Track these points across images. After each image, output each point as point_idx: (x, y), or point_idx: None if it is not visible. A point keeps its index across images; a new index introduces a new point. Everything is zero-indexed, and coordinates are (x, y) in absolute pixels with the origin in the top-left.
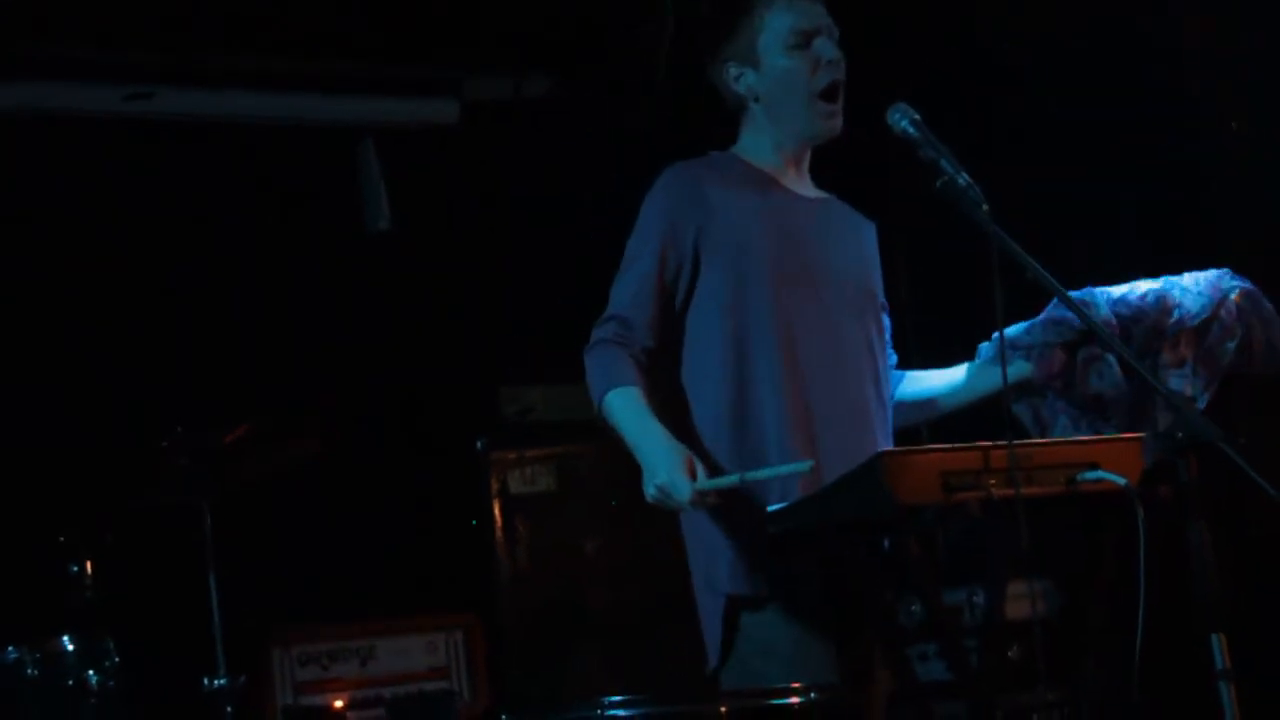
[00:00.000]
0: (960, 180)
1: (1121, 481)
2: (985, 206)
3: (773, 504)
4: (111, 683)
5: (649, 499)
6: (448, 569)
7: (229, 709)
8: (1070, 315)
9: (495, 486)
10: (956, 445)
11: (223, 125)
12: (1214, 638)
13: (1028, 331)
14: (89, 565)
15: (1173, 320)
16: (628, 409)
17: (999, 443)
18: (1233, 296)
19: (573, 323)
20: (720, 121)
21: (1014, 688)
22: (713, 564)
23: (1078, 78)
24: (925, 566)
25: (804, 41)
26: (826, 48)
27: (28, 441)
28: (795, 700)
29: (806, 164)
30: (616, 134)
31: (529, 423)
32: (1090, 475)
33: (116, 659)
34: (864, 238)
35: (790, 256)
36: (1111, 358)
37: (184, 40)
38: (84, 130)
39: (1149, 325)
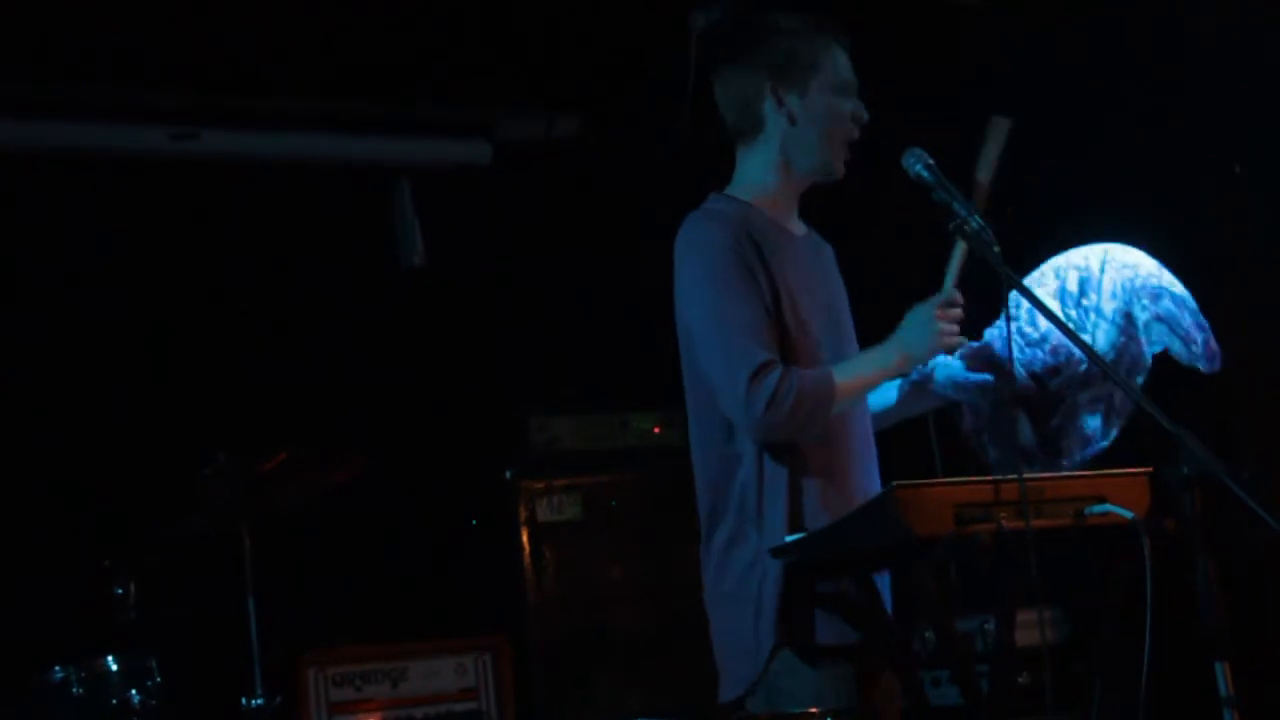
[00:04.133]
0: (973, 223)
1: (1129, 515)
2: (997, 248)
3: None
4: (153, 701)
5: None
6: (478, 593)
7: None
8: (990, 379)
9: (524, 514)
10: (969, 479)
11: (265, 165)
12: (1218, 665)
13: (955, 387)
14: (132, 588)
15: (1084, 368)
16: (847, 369)
17: (1010, 476)
18: (1146, 319)
19: (599, 356)
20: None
21: (1023, 713)
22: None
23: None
24: (938, 596)
25: (851, 92)
26: (862, 108)
27: (75, 470)
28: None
29: (795, 204)
30: (645, 172)
31: (556, 453)
32: (1098, 509)
33: (158, 678)
34: (834, 266)
35: (805, 298)
36: (1023, 416)
37: (230, 83)
38: (130, 169)
39: (1064, 376)
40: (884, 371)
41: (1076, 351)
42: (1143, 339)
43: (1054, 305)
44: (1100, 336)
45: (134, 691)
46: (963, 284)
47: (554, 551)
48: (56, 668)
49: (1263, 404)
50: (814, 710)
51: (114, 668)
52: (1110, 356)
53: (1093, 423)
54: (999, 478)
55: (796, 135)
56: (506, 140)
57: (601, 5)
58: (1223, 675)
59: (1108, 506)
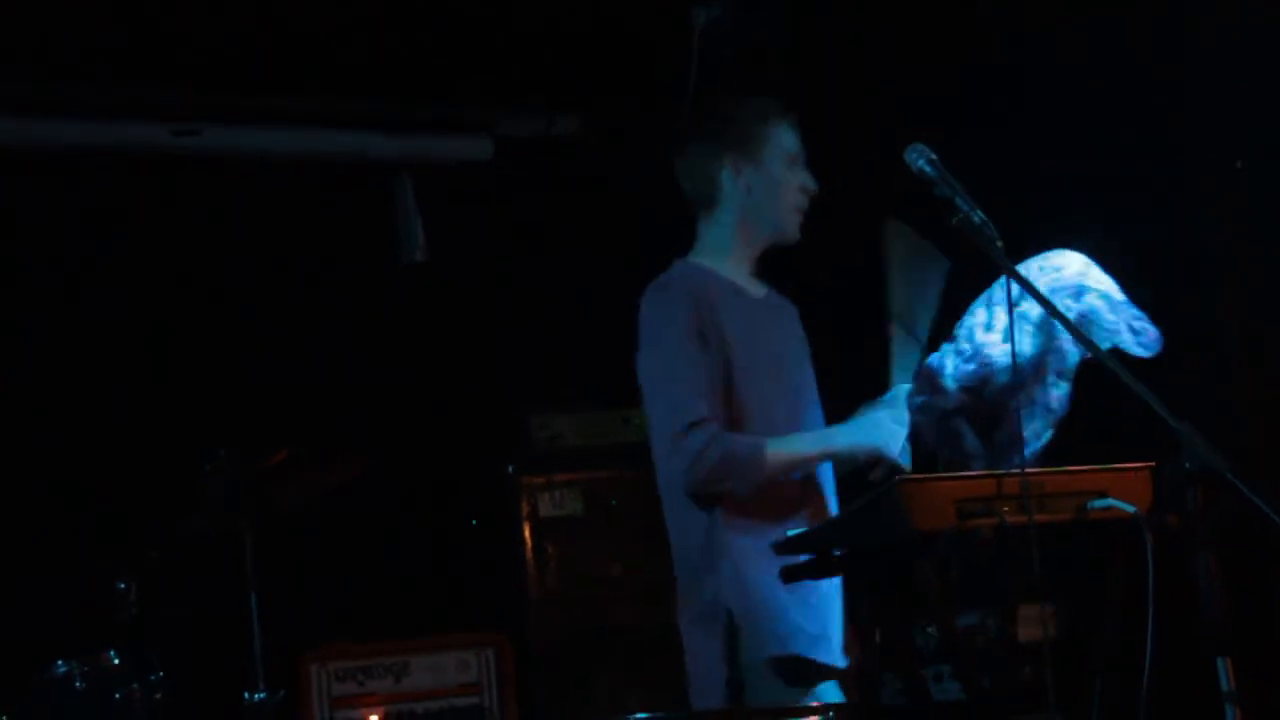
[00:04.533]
0: (975, 218)
1: (1131, 509)
2: (999, 243)
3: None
4: (156, 696)
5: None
6: (479, 589)
7: None
8: (927, 399)
9: (525, 510)
10: (971, 474)
11: (267, 161)
12: (1220, 661)
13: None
14: (135, 583)
15: (1012, 377)
16: (790, 443)
17: (1012, 471)
18: (1062, 337)
19: (600, 352)
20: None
21: (1025, 709)
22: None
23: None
24: (940, 591)
25: (799, 164)
26: (810, 178)
27: (77, 466)
28: (814, 718)
29: (753, 266)
30: (646, 169)
31: (558, 448)
32: (1100, 503)
33: (161, 673)
34: (795, 324)
35: (757, 356)
36: (965, 427)
37: (231, 79)
38: (132, 165)
39: (996, 386)
40: (829, 452)
41: (999, 361)
42: (1064, 339)
43: (999, 314)
44: (1027, 341)
45: (137, 686)
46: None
47: (555, 547)
48: (59, 662)
49: (1264, 400)
50: (815, 704)
51: (117, 662)
52: (1036, 360)
53: (1030, 426)
54: (1001, 472)
55: (755, 207)
56: (508, 137)
57: (603, 2)
58: (1224, 671)
59: (1110, 501)
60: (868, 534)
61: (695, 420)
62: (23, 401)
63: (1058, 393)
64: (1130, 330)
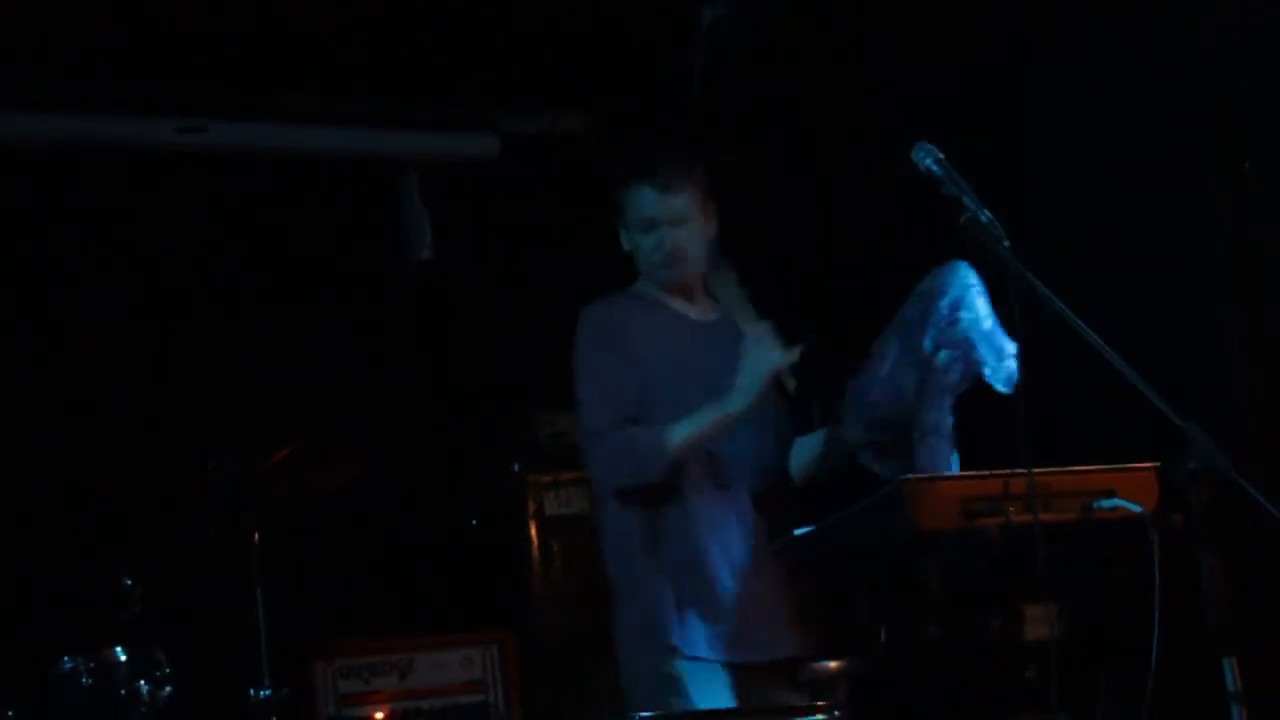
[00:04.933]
0: (982, 217)
1: (1137, 509)
2: (1006, 243)
3: None
4: (162, 692)
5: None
6: (485, 587)
7: (274, 719)
8: (849, 435)
9: (531, 508)
10: (977, 473)
11: (272, 158)
12: (1226, 661)
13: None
14: (141, 579)
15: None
16: (688, 422)
17: (1018, 470)
18: (936, 348)
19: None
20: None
21: (1029, 708)
22: None
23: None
24: (944, 590)
25: (647, 227)
26: (661, 241)
27: (83, 463)
28: (819, 718)
29: (694, 292)
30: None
31: (564, 446)
32: (1107, 503)
33: (167, 670)
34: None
35: (680, 371)
36: (873, 458)
37: (237, 77)
38: (137, 162)
39: (896, 415)
40: (727, 417)
41: (884, 400)
42: (940, 368)
43: (893, 349)
44: (910, 374)
45: (142, 682)
46: None
47: (561, 545)
48: (65, 658)
49: (1270, 400)
50: (819, 704)
51: (123, 658)
52: (920, 389)
53: (934, 454)
54: (1007, 471)
55: (638, 263)
56: (513, 134)
57: (607, 1)
58: (1230, 670)
59: (1116, 501)
60: (872, 533)
61: (600, 428)
62: (28, 399)
63: (948, 420)
64: (995, 360)
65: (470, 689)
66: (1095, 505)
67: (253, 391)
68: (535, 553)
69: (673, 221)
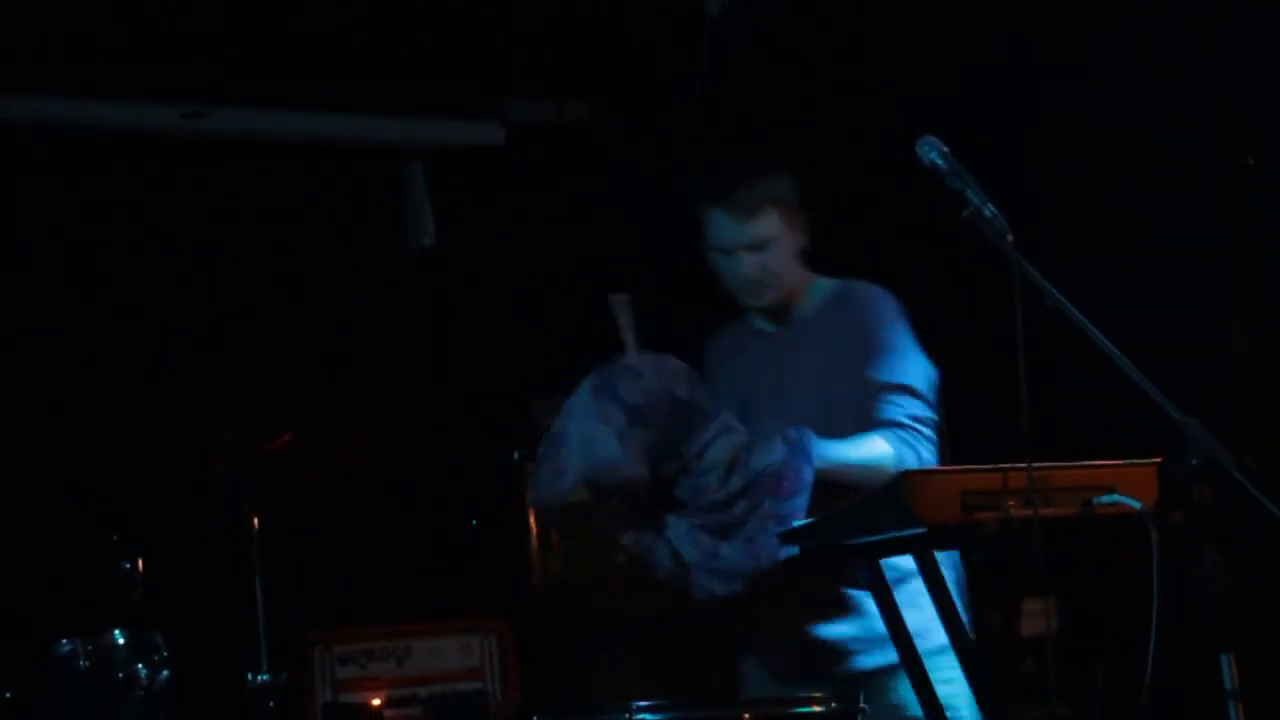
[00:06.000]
0: (986, 211)
1: (1137, 505)
2: (1010, 237)
3: None
4: (160, 676)
5: None
6: (483, 574)
7: (271, 704)
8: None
9: (530, 496)
10: (977, 466)
11: (276, 144)
12: (1223, 657)
13: None
14: (140, 563)
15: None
16: None
17: (1018, 465)
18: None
19: (607, 340)
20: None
21: (1026, 702)
22: None
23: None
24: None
25: (722, 250)
26: (739, 267)
27: (83, 446)
28: (817, 709)
29: (784, 307)
30: (654, 158)
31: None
32: (1106, 499)
33: (165, 654)
34: (837, 344)
35: (752, 386)
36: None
37: (241, 62)
38: (140, 147)
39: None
40: None
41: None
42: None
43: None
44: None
45: (140, 666)
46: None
47: (559, 534)
48: (64, 641)
49: (1270, 397)
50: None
51: (120, 642)
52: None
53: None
54: (1007, 465)
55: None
56: (518, 123)
57: None
58: (1228, 667)
59: (1116, 497)
60: (874, 525)
61: None
62: (29, 382)
63: (800, 503)
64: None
65: (467, 676)
66: (1095, 501)
67: (252, 378)
68: (534, 541)
69: (750, 247)
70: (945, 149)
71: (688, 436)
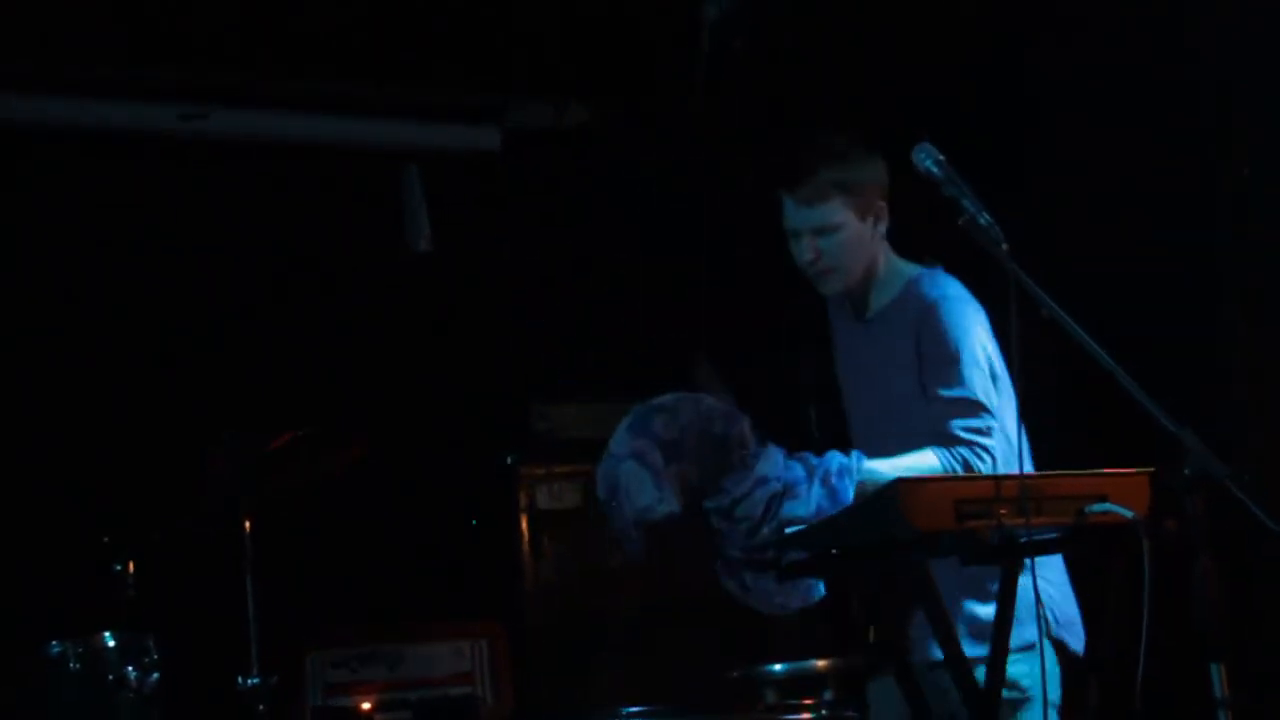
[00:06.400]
0: (981, 219)
1: (1129, 514)
2: (1005, 245)
3: None
4: (150, 678)
5: None
6: (475, 579)
7: (261, 707)
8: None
9: (524, 501)
10: (971, 475)
11: (274, 146)
12: (1214, 667)
13: None
14: (131, 565)
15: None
16: None
17: (1011, 473)
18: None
19: (603, 344)
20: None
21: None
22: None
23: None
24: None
25: (792, 236)
26: (802, 251)
27: (77, 445)
28: (806, 716)
29: (861, 293)
30: (653, 162)
31: (558, 440)
32: (1099, 507)
33: (156, 656)
34: (888, 337)
35: (845, 376)
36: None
37: (240, 63)
38: (138, 148)
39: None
40: None
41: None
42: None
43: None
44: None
45: (131, 668)
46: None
47: (553, 539)
48: (54, 643)
49: (1266, 407)
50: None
51: (111, 644)
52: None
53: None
54: (1000, 474)
55: None
56: (516, 127)
57: None
58: (1218, 677)
59: (1108, 506)
60: (867, 533)
61: None
62: (25, 381)
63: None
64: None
65: (459, 681)
66: (1087, 510)
67: (250, 380)
68: (526, 546)
69: (817, 231)
70: (941, 157)
71: (727, 472)
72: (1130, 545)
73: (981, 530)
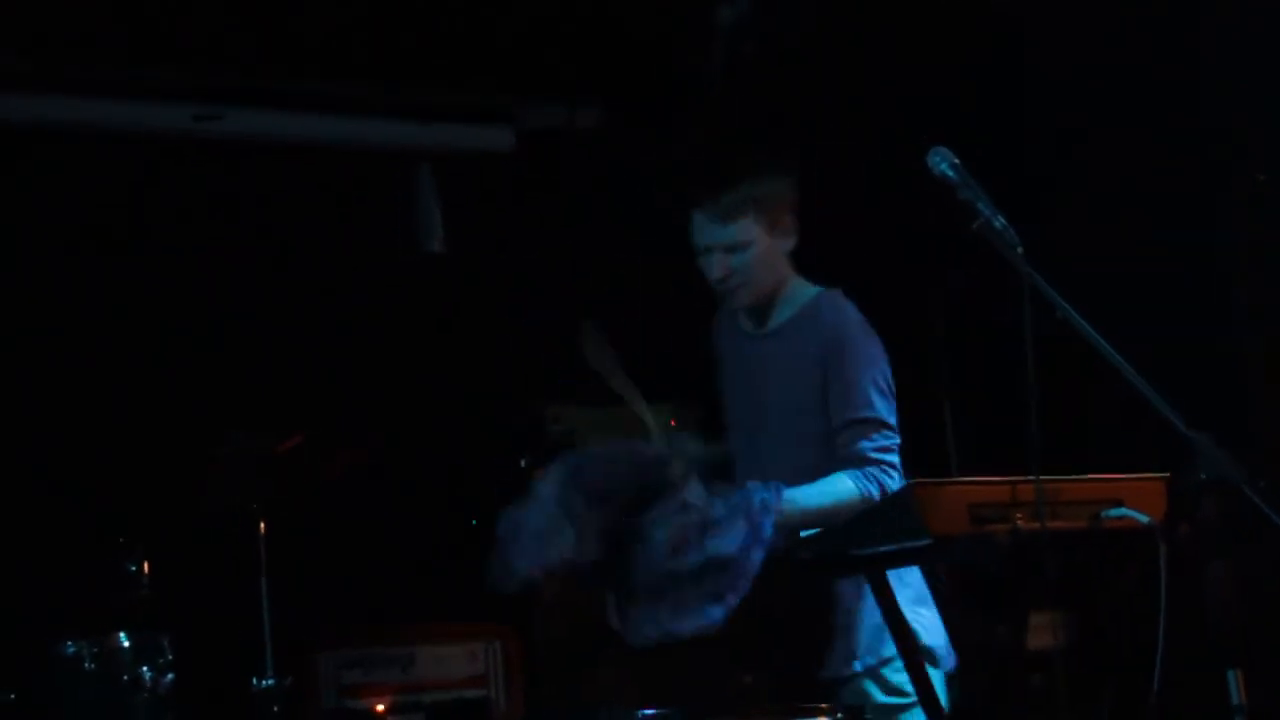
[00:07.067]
0: (996, 223)
1: (1145, 519)
2: (1020, 249)
3: None
4: (165, 679)
5: None
6: (488, 581)
7: (275, 709)
8: None
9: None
10: (986, 478)
11: (288, 147)
12: (1230, 673)
13: None
14: (146, 566)
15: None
16: None
17: (1026, 477)
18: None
19: (616, 347)
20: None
21: (1035, 715)
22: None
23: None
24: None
25: (700, 253)
26: (712, 268)
27: (91, 446)
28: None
29: (765, 308)
30: (666, 163)
31: (572, 442)
32: (1115, 512)
33: (170, 656)
34: (799, 358)
35: (734, 388)
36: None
37: (253, 64)
38: (152, 148)
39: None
40: None
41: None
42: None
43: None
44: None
45: (145, 669)
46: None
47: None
48: (69, 643)
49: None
50: (823, 705)
51: (126, 644)
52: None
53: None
54: (1016, 478)
55: None
56: (528, 128)
57: None
58: (1235, 683)
59: (1124, 510)
60: (882, 536)
61: None
62: (38, 381)
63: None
64: None
65: (472, 684)
66: (1103, 514)
67: (261, 381)
68: None
69: (729, 248)
70: (956, 160)
71: (652, 505)
72: (1145, 550)
73: (997, 534)
